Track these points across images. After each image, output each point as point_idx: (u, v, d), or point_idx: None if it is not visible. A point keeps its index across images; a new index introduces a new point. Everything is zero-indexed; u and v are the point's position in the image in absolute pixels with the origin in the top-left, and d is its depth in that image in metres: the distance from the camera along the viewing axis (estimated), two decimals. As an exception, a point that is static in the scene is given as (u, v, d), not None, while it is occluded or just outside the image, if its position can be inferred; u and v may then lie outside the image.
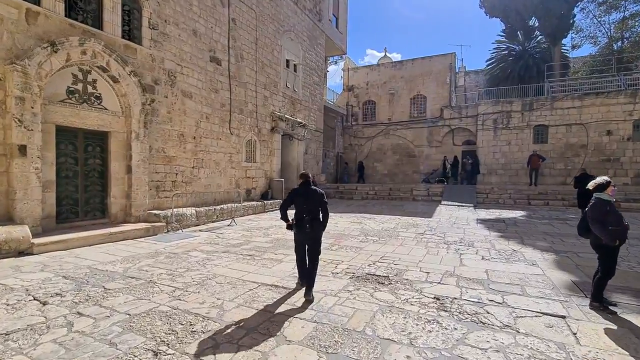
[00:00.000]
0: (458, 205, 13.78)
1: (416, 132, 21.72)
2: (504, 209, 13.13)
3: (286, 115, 14.89)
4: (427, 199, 15.78)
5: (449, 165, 18.47)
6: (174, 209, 8.82)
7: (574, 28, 22.78)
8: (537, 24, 23.78)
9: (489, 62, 29.12)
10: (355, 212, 12.40)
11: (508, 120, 18.42)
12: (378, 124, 22.94)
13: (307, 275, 4.07)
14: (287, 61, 15.46)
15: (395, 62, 22.37)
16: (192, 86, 10.22)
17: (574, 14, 22.00)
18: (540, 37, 26.37)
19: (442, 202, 14.48)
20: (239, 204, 11.08)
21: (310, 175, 4.33)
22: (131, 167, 8.25)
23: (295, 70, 16.19)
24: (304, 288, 4.06)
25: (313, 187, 4.17)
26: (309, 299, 3.84)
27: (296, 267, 4.40)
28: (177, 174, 9.81)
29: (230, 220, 10.05)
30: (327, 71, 22.62)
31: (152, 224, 8.17)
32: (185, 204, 9.90)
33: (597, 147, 16.75)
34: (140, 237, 7.63)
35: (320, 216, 4.11)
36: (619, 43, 22.08)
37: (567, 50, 26.98)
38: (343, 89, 24.22)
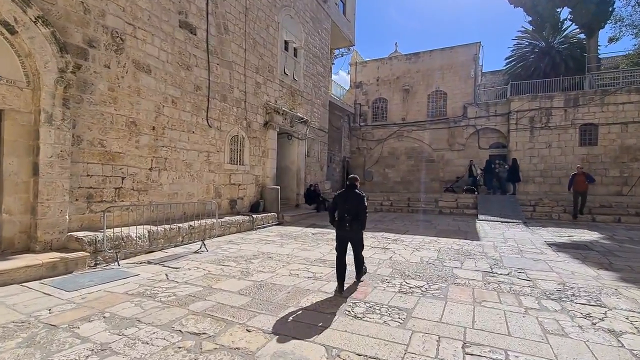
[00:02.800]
0: (502, 222, 10.77)
1: (435, 134, 18.84)
2: (563, 226, 10.12)
3: (284, 108, 12.05)
4: (457, 213, 12.78)
5: (480, 172, 15.49)
6: (111, 230, 5.87)
7: (613, 17, 20.03)
8: (568, 16, 21.15)
9: (508, 60, 26.38)
10: (372, 229, 9.43)
11: (548, 118, 15.53)
12: (390, 124, 20.09)
13: (356, 263, 4.63)
14: (286, 43, 12.68)
15: (409, 54, 19.67)
16: (150, 57, 7.38)
17: (614, 0, 19.32)
18: (568, 31, 23.77)
19: (480, 217, 11.48)
20: (217, 220, 8.12)
21: (357, 180, 4.68)
22: (38, 166, 5.34)
23: (295, 55, 13.42)
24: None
25: (356, 190, 4.47)
26: (359, 280, 4.57)
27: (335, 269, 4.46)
28: (124, 177, 6.88)
29: (200, 243, 7.08)
30: (333, 63, 19.90)
31: (70, 254, 5.22)
32: (137, 220, 6.96)
33: (661, 150, 13.81)
34: (39, 278, 4.67)
35: (359, 218, 4.35)
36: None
37: (599, 46, 24.29)
38: (350, 86, 21.47)
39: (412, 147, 19.54)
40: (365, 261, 5.10)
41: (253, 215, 9.63)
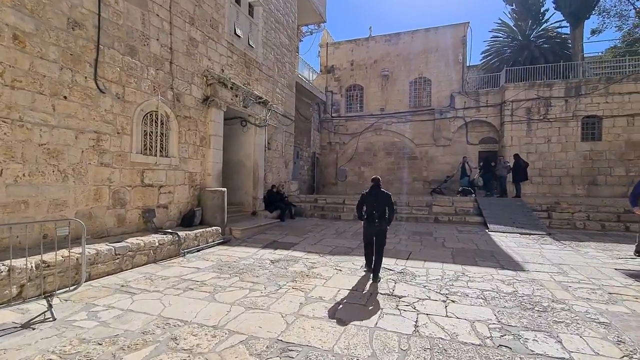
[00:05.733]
0: (522, 234, 8.30)
1: (418, 127, 16.39)
2: (598, 238, 7.85)
3: (234, 81, 8.73)
4: (458, 221, 10.21)
5: (479, 170, 13.15)
6: None
7: (597, 8, 18.89)
8: (551, 6, 19.80)
9: (485, 55, 24.91)
10: (355, 251, 6.46)
11: (547, 109, 13.60)
12: (366, 116, 17.37)
13: (375, 264, 4.74)
14: (238, -6, 9.37)
15: (389, 34, 17.09)
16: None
17: (599, -11, 18.15)
18: (548, 24, 22.64)
19: (491, 227, 8.95)
20: (103, 248, 4.68)
21: (380, 180, 5.00)
22: None
23: (251, 15, 10.12)
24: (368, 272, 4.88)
25: (382, 189, 4.85)
26: (376, 282, 4.60)
27: (364, 255, 5.11)
28: None
29: (47, 304, 3.64)
30: (301, 40, 16.78)
31: None
32: None
33: (670, 146, 12.30)
34: None
35: (387, 214, 4.77)
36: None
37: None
38: (320, 71, 18.48)
39: (392, 142, 16.96)
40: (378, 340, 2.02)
41: (179, 234, 6.23)
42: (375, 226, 4.74)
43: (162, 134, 6.86)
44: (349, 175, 17.68)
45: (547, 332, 3.15)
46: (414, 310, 3.67)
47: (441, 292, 4.24)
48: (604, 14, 19.12)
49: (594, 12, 19.01)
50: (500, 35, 24.37)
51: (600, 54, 21.81)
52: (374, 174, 16.86)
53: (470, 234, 8.48)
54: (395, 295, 4.12)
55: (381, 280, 4.75)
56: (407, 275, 4.98)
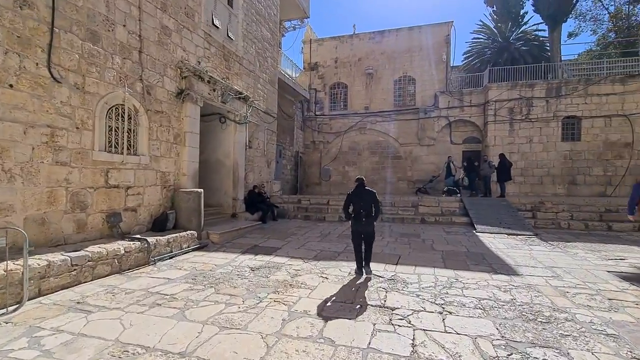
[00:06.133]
0: (510, 235, 8.18)
1: (402, 126, 16.23)
2: (583, 238, 7.81)
3: (212, 75, 8.16)
4: (444, 221, 10.04)
5: (462, 170, 13.07)
6: None
7: (574, 12, 19.37)
8: (530, 9, 20.15)
9: (467, 56, 25.16)
10: (342, 256, 6.08)
11: (529, 109, 13.70)
12: (351, 114, 17.06)
13: (365, 257, 4.98)
14: (216, -18, 8.79)
15: (373, 32, 16.84)
16: None
17: (576, -7, 18.58)
18: (527, 26, 23.05)
19: (478, 228, 8.79)
20: (50, 260, 4.08)
21: (364, 179, 5.12)
22: None
23: (230, 4, 9.56)
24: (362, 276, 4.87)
25: (366, 187, 4.97)
26: (368, 272, 4.91)
27: (355, 258, 5.05)
28: None
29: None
30: (284, 35, 16.26)
31: None
32: None
33: (645, 147, 12.63)
34: None
35: (373, 212, 4.92)
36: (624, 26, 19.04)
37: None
38: (304, 68, 18.02)
39: (377, 142, 16.74)
40: None
41: (149, 240, 5.64)
42: (363, 225, 4.88)
43: (130, 129, 6.24)
44: (333, 175, 17.33)
45: (556, 349, 2.86)
46: (409, 325, 3.31)
47: (436, 302, 3.92)
48: (580, 17, 19.63)
49: (570, 16, 19.51)
50: (481, 36, 24.65)
51: (576, 56, 22.47)
52: (358, 173, 16.68)
53: (458, 235, 8.28)
54: (387, 307, 3.76)
55: (371, 287, 4.38)
56: (399, 283, 4.63)
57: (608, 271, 5.24)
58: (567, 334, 3.15)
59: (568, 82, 13.37)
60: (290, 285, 4.54)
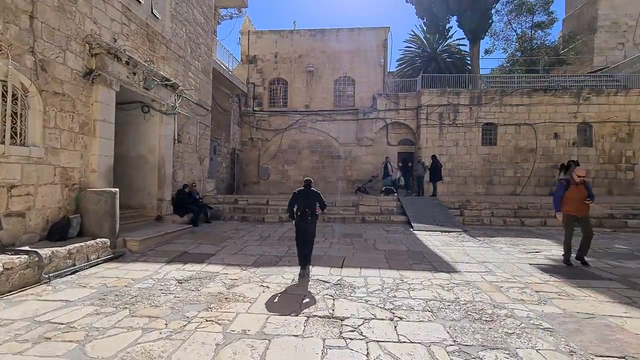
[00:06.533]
0: (443, 232, 8.60)
1: (342, 126, 16.35)
2: (504, 233, 8.59)
3: (132, 56, 7.00)
4: (384, 220, 10.23)
5: (398, 170, 13.56)
6: None
7: (490, 30, 21.73)
8: (456, 23, 22.05)
9: (399, 62, 26.71)
10: (284, 260, 5.66)
11: (455, 115, 14.85)
12: (291, 112, 16.65)
13: (306, 256, 4.98)
14: (138, -51, 7.60)
15: (314, 30, 16.64)
16: None
17: (491, 14, 20.89)
18: (451, 40, 25.22)
19: (415, 227, 9.10)
20: None
21: (312, 180, 5.24)
22: None
23: (156, -22, 8.39)
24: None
25: (313, 188, 5.06)
26: (305, 273, 4.84)
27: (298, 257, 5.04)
28: None
29: None
30: (220, 23, 15.13)
31: None
32: None
33: (545, 152, 14.59)
34: None
35: (317, 211, 4.98)
36: (529, 47, 21.96)
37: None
38: (241, 60, 17.04)
39: (317, 141, 16.60)
40: None
41: (41, 252, 4.48)
42: (308, 223, 4.98)
43: (17, 113, 4.94)
44: (272, 173, 16.73)
45: (506, 350, 2.82)
46: (361, 337, 3.02)
47: (386, 307, 3.72)
48: (494, 36, 22.09)
49: (487, 34, 21.86)
50: (413, 46, 26.32)
51: (490, 71, 25.34)
52: (298, 172, 16.37)
53: (397, 233, 8.44)
54: (336, 318, 3.43)
55: (317, 296, 4.03)
56: (346, 288, 4.36)
57: (530, 264, 5.69)
58: (511, 331, 3.18)
59: (487, 93, 14.83)
60: (225, 298, 3.96)
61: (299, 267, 4.94)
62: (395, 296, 4.08)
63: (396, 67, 26.38)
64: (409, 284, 4.57)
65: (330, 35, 16.61)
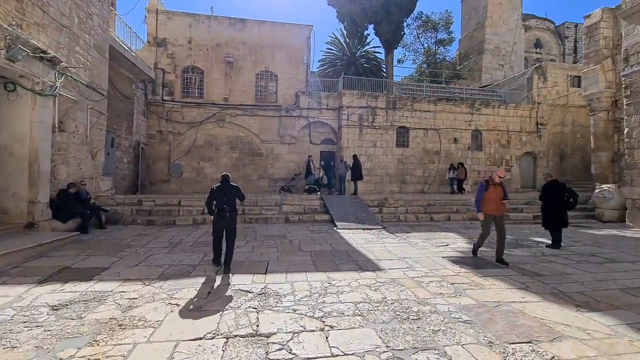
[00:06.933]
0: (365, 230, 8.83)
1: (264, 123, 15.73)
2: (417, 228, 9.25)
3: (-14, 13, 5.30)
4: (308, 220, 10.06)
5: (320, 169, 13.56)
6: None
7: (402, 42, 23.64)
8: (373, 31, 23.40)
9: (322, 63, 27.28)
10: (199, 270, 4.96)
11: (374, 117, 15.63)
12: (208, 104, 15.32)
13: (226, 256, 4.87)
14: None
15: (234, 18, 15.57)
16: None
17: (404, 26, 22.75)
18: (369, 46, 26.69)
19: (338, 225, 9.14)
20: None
21: (229, 176, 5.11)
22: None
23: None
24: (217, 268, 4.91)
25: (231, 183, 4.97)
26: (227, 273, 4.69)
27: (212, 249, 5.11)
28: None
29: None
30: (119, -6, 12.95)
31: None
32: None
33: (447, 154, 16.42)
34: None
35: (236, 207, 5.03)
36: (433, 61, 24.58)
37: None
38: (148, 42, 14.97)
39: (237, 137, 15.64)
40: None
41: None
42: (227, 220, 4.88)
43: None
44: (186, 171, 15.16)
45: (435, 350, 2.79)
46: (290, 355, 2.66)
47: (315, 316, 3.43)
48: (405, 47, 24.13)
49: (400, 45, 23.79)
50: (334, 48, 27.08)
51: (401, 79, 27.69)
52: (216, 170, 15.14)
53: (321, 233, 8.33)
54: (261, 335, 3.00)
55: (239, 309, 3.53)
56: (271, 297, 3.95)
57: (442, 257, 6.12)
58: (437, 328, 3.21)
59: (401, 98, 16.00)
60: (119, 325, 3.16)
61: (215, 271, 4.75)
62: (324, 302, 3.84)
63: (318, 67, 26.79)
64: (337, 286, 4.39)
65: (251, 27, 15.79)
